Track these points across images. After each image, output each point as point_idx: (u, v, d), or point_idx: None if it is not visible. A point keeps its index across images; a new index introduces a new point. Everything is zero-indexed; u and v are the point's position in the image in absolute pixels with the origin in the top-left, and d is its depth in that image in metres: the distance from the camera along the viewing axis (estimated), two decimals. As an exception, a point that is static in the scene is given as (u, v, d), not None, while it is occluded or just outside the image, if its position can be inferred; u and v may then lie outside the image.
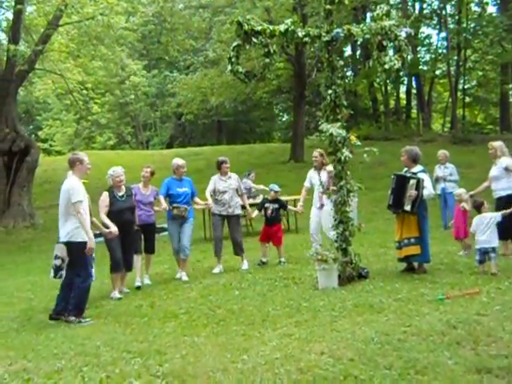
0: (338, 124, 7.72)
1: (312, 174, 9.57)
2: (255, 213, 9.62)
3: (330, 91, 7.72)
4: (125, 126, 40.09)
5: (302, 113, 25.89)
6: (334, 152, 7.79)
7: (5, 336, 6.37)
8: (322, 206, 9.27)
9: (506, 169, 8.52)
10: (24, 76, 19.80)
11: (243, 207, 9.69)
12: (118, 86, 33.15)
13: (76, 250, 6.39)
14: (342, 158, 7.65)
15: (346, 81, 27.86)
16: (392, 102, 37.97)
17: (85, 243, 6.40)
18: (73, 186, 6.45)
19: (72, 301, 6.54)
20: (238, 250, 9.32)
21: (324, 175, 9.34)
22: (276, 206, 9.60)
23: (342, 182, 7.71)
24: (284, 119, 43.54)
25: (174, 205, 8.37)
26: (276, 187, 9.80)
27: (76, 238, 6.44)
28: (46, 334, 6.34)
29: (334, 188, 8.84)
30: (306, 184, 9.62)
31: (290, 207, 10.12)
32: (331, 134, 7.63)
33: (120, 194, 7.98)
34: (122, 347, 5.50)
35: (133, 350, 5.38)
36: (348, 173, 7.77)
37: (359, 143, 7.81)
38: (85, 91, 23.19)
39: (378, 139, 27.16)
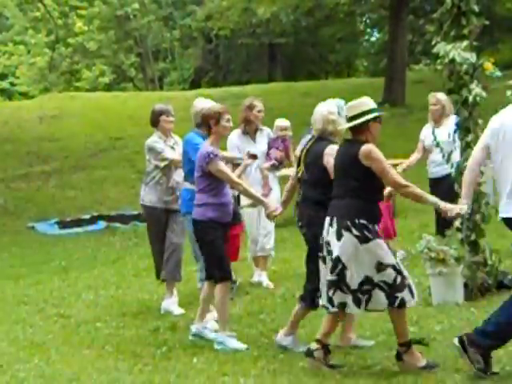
0: (464, 44, 7.64)
1: (240, 141, 8.93)
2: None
3: (451, -11, 7.64)
4: (126, 53, 40.52)
5: (404, 28, 25.51)
6: (456, 89, 7.73)
7: None
8: (270, 191, 8.88)
9: None
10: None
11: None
12: (113, -13, 33.39)
13: None
14: (470, 98, 7.60)
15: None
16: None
17: None
18: None
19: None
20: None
21: (262, 141, 8.96)
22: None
23: (470, 136, 7.66)
24: (374, 39, 43.04)
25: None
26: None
27: None
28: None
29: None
30: (234, 151, 8.78)
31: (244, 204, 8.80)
32: (452, 61, 7.58)
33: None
34: (128, 393, 5.59)
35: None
36: (479, 122, 7.70)
37: (499, 73, 7.72)
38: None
39: (530, 67, 26.46)
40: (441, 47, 7.74)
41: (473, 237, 7.63)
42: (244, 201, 8.46)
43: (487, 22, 7.94)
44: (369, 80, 31.68)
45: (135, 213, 14.92)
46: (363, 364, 5.78)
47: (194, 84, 38.98)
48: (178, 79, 41.08)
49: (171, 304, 8.21)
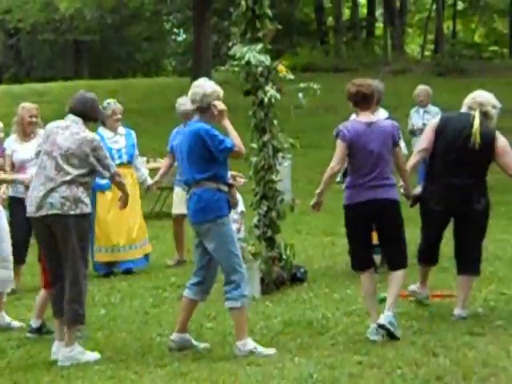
0: (259, 46, 7.77)
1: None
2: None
3: (244, -8, 7.78)
4: None
5: (208, 29, 25.76)
6: (252, 91, 7.84)
7: None
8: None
9: None
10: None
11: None
12: None
13: None
14: (266, 99, 7.71)
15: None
16: (347, 12, 38.44)
17: None
18: None
19: None
20: None
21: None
22: None
23: (266, 136, 7.80)
24: (180, 39, 43.18)
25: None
26: None
27: None
28: None
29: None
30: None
31: None
32: (248, 63, 7.67)
33: None
34: None
35: None
36: (275, 122, 7.88)
37: (292, 76, 7.89)
38: None
39: (325, 70, 27.47)
40: (237, 49, 7.81)
41: (269, 233, 7.79)
42: None
43: (280, 27, 8.11)
44: (176, 80, 31.73)
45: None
46: (161, 363, 5.77)
47: (-6, 80, 37.61)
48: (-25, 75, 39.49)
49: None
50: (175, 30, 42.88)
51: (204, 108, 6.10)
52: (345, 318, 6.54)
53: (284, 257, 7.77)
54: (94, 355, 6.10)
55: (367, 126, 6.15)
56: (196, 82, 6.20)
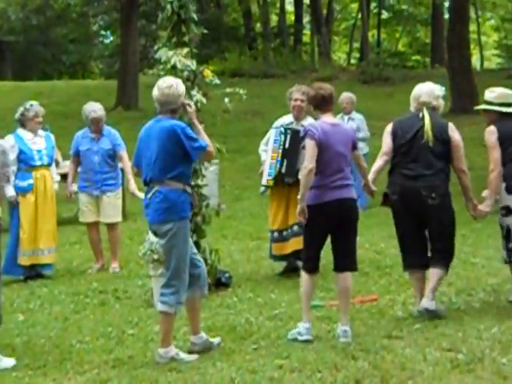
0: (185, 51, 7.78)
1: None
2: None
3: (170, -4, 7.76)
4: None
5: (135, 32, 25.61)
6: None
7: None
8: None
9: None
10: None
11: None
12: None
13: None
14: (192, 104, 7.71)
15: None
16: (274, 19, 38.71)
17: None
18: None
19: None
20: None
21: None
22: None
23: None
24: (108, 41, 42.87)
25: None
26: None
27: None
28: None
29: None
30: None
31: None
32: (174, 67, 7.69)
33: None
34: None
35: None
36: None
37: (218, 81, 7.93)
38: None
39: (253, 75, 27.63)
40: (163, 53, 7.82)
41: (194, 238, 7.77)
42: None
43: (206, 31, 8.12)
44: (103, 82, 31.49)
45: None
46: (80, 370, 5.71)
47: None
48: None
49: None
50: (102, 32, 42.56)
51: (177, 108, 6.03)
52: (268, 322, 6.62)
53: (209, 262, 7.76)
54: (10, 361, 5.98)
55: (332, 127, 6.24)
56: (165, 83, 5.98)
